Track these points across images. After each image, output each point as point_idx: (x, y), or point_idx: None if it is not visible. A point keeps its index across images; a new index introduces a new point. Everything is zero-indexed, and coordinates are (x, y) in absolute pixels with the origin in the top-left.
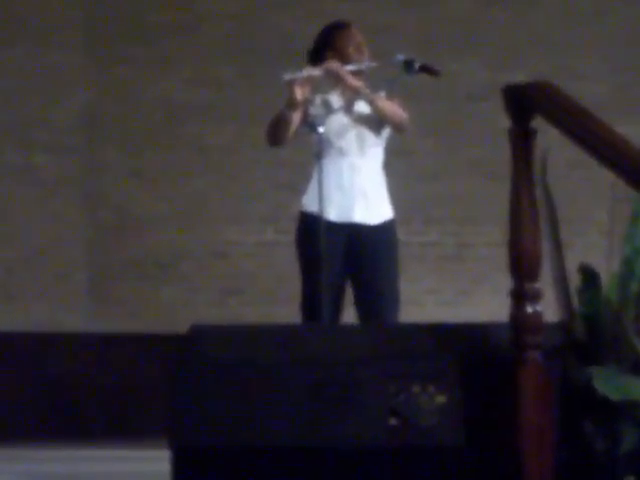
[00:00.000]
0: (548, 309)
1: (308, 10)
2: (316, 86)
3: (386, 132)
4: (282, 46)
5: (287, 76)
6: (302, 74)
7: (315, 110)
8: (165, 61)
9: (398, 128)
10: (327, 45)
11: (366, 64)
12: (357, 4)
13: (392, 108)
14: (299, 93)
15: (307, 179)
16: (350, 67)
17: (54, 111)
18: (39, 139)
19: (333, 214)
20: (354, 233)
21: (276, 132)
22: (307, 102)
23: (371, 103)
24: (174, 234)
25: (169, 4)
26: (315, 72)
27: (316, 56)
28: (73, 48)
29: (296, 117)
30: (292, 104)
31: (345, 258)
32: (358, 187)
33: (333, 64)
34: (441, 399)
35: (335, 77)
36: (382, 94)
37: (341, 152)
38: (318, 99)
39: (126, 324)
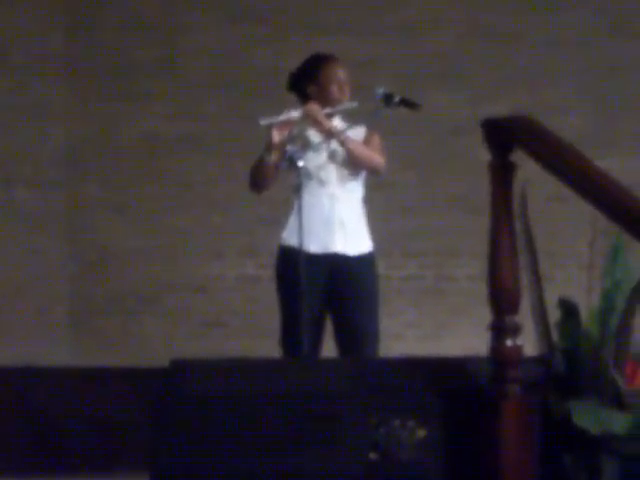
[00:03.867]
0: (528, 343)
1: (291, 45)
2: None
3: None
4: (265, 81)
5: (264, 121)
6: (280, 118)
7: (293, 145)
8: (147, 96)
9: (372, 172)
10: (310, 78)
11: (346, 105)
12: (340, 38)
13: (366, 153)
14: (277, 136)
15: (287, 213)
16: (329, 110)
17: (36, 146)
18: (21, 174)
19: (313, 246)
20: (334, 265)
21: (258, 177)
22: (285, 143)
23: (345, 148)
24: (155, 268)
25: (151, 39)
26: (293, 115)
27: (297, 84)
28: (55, 83)
29: (275, 160)
30: (271, 148)
31: (325, 291)
32: (338, 216)
33: (311, 108)
34: (421, 433)
35: (312, 121)
36: (363, 129)
37: (321, 182)
38: (296, 132)
39: (107, 358)
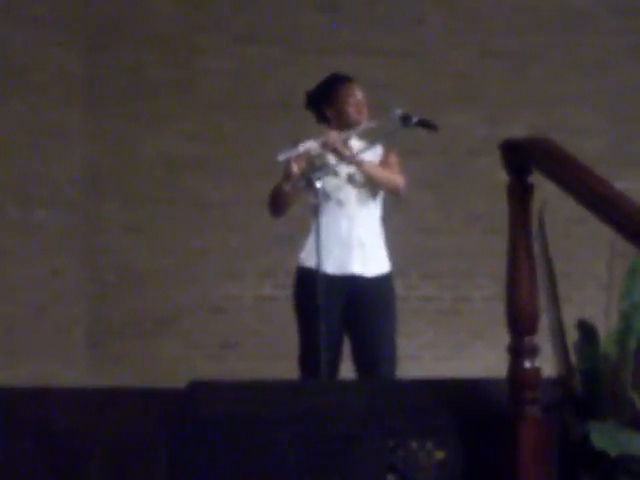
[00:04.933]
0: (546, 364)
1: (307, 65)
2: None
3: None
4: (281, 101)
5: (282, 157)
6: (297, 151)
7: (312, 169)
8: (164, 116)
9: (392, 194)
10: (328, 99)
11: (364, 126)
12: (356, 59)
13: (387, 176)
14: (295, 168)
15: (305, 234)
16: (347, 134)
17: (54, 166)
18: (39, 194)
19: (331, 267)
20: (352, 286)
21: (276, 205)
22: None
23: (366, 174)
24: (173, 289)
25: (168, 60)
26: (311, 146)
27: (314, 105)
28: (73, 103)
29: (294, 188)
30: (289, 179)
31: (343, 312)
32: (356, 237)
33: (330, 137)
34: (439, 455)
35: (332, 150)
36: (380, 148)
37: (340, 203)
38: (314, 156)
39: (125, 379)
